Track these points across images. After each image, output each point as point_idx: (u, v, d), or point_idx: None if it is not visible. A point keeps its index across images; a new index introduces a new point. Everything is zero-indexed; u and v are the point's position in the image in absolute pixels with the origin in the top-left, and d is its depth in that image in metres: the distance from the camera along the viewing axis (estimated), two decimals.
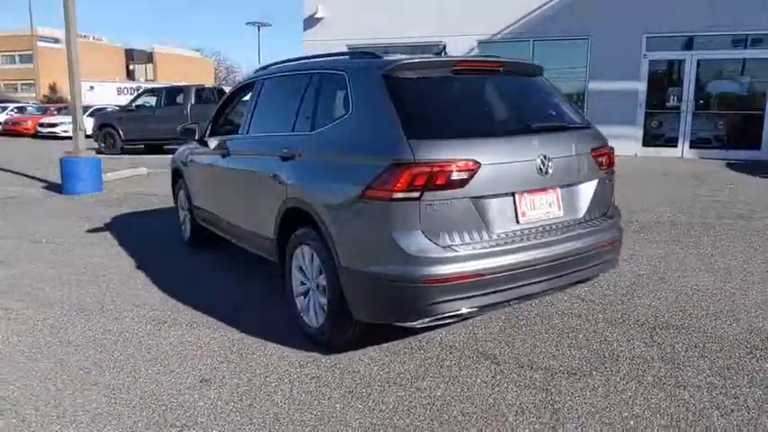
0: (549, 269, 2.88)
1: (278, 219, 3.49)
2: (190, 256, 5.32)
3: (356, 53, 3.38)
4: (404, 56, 3.04)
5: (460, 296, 2.66)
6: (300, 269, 3.41)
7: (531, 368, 3.00)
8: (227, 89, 19.51)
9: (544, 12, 13.40)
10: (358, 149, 2.87)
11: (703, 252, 5.12)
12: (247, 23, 55.46)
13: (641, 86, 13.08)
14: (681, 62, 12.75)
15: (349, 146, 2.93)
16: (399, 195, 2.59)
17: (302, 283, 3.44)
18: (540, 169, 2.87)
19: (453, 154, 2.64)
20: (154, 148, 16.66)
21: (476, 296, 2.69)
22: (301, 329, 3.43)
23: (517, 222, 2.85)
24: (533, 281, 2.85)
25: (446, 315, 2.68)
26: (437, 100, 2.94)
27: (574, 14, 13.06)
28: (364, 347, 3.25)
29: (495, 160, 2.72)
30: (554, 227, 2.97)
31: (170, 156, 6.34)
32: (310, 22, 15.35)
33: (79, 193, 9.12)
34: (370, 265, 2.73)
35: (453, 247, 2.65)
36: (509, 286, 2.77)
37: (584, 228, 3.08)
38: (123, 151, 16.59)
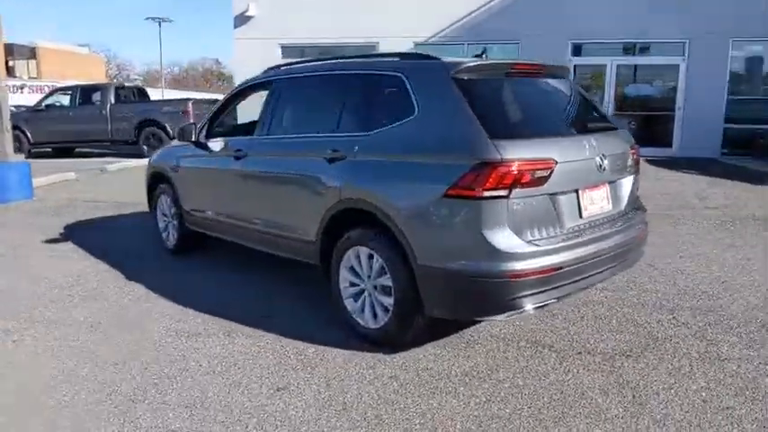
0: (607, 260, 3.10)
1: (324, 221, 3.45)
2: (181, 264, 5.05)
3: (408, 54, 3.42)
4: (462, 59, 3.13)
5: (542, 289, 2.80)
6: (351, 270, 3.39)
7: (589, 353, 3.20)
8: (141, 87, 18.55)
9: (478, 16, 13.95)
10: (433, 150, 2.92)
11: (673, 241, 5.63)
12: (147, 18, 52.50)
13: None
14: (602, 67, 13.80)
15: (421, 146, 2.97)
16: (489, 194, 2.68)
17: (352, 285, 3.42)
18: (600, 166, 3.08)
19: (534, 153, 2.78)
20: (63, 151, 15.43)
21: (554, 288, 2.85)
22: (353, 330, 3.41)
23: (580, 217, 3.04)
24: (595, 271, 3.06)
25: (529, 308, 2.80)
26: (502, 101, 3.06)
27: (505, 20, 13.70)
28: (421, 345, 3.30)
29: (566, 158, 2.89)
30: (606, 220, 3.19)
31: (91, 159, 5.98)
32: (241, 19, 14.91)
33: (8, 201, 8.30)
34: (455, 261, 2.79)
35: (535, 242, 2.79)
36: (579, 277, 2.96)
37: (626, 220, 3.34)
38: (30, 155, 15.18)
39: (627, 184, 3.39)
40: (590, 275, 3.03)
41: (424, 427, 2.51)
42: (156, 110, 14.84)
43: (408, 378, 2.94)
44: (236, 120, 4.54)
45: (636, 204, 3.57)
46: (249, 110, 4.88)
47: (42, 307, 4.05)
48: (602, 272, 3.12)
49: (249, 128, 4.33)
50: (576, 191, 3.01)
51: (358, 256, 3.32)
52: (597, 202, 3.14)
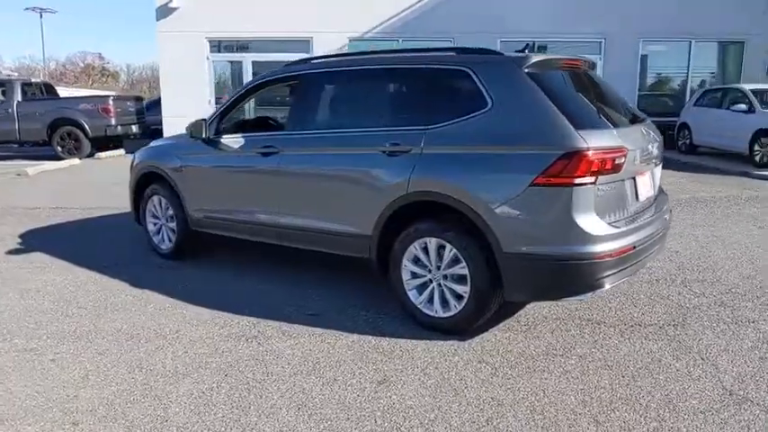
0: (656, 240, 3.40)
1: (384, 214, 3.46)
2: (184, 268, 4.78)
3: (467, 49, 3.50)
4: (525, 54, 3.28)
5: (620, 268, 3.03)
6: (415, 262, 3.44)
7: (640, 325, 3.50)
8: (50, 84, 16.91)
9: (412, 13, 14.22)
10: (514, 140, 3.04)
11: None
12: (27, 9, 47.76)
13: None
14: None
15: (500, 137, 3.08)
16: (579, 180, 2.86)
17: (414, 276, 3.47)
18: (650, 153, 3.37)
19: (611, 142, 2.99)
20: None
21: (628, 267, 3.09)
22: (417, 320, 3.47)
23: (637, 200, 3.31)
24: (650, 252, 3.34)
25: (608, 286, 3.02)
26: (568, 93, 3.24)
27: (438, 17, 14.08)
28: (486, 330, 3.42)
29: (631, 146, 3.13)
30: (649, 204, 3.50)
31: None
32: (164, 11, 14.09)
33: None
34: (544, 246, 2.95)
35: (614, 225, 3.01)
36: (642, 257, 3.23)
37: (661, 203, 3.67)
38: None
39: (658, 171, 3.72)
40: (647, 255, 3.31)
41: (543, 404, 2.64)
42: (71, 108, 13.65)
43: (497, 361, 3.06)
44: (263, 116, 4.35)
45: (662, 188, 3.92)
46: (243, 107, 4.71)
47: (56, 321, 3.70)
48: (652, 252, 3.42)
49: (263, 123, 4.20)
50: (634, 177, 3.27)
51: (425, 248, 3.37)
52: (646, 186, 3.43)
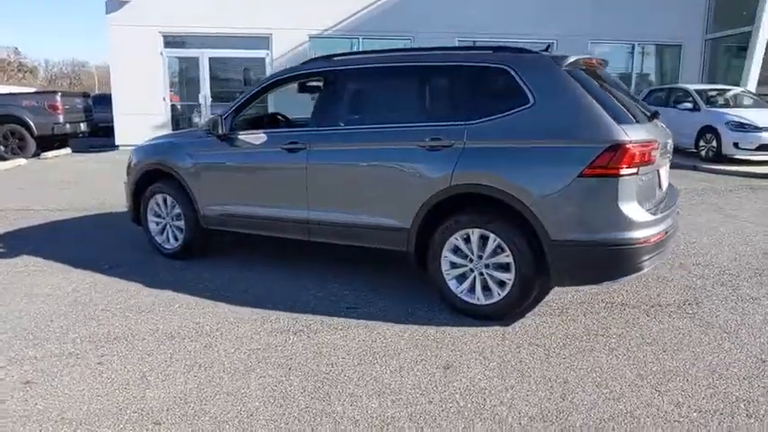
0: (677, 227, 3.69)
1: (425, 207, 3.57)
2: (195, 267, 4.67)
3: (503, 48, 3.64)
4: (559, 53, 3.47)
5: (657, 252, 3.28)
6: (455, 252, 3.57)
7: (660, 306, 3.78)
8: None
9: (372, 11, 14.32)
10: (559, 134, 3.22)
11: None
12: None
13: None
14: None
15: (544, 132, 3.25)
16: (625, 171, 3.08)
17: (453, 266, 3.60)
18: (666, 147, 3.64)
19: (646, 135, 3.23)
20: None
21: (660, 252, 3.34)
22: (456, 308, 3.60)
23: (661, 189, 3.58)
24: (673, 237, 3.62)
25: (646, 269, 3.26)
26: (601, 90, 3.44)
27: (398, 16, 14.26)
28: (523, 316, 3.60)
29: (659, 140, 3.39)
30: (666, 194, 3.78)
31: None
32: (115, 4, 13.50)
33: None
34: (591, 234, 3.15)
35: (650, 212, 3.26)
36: (669, 242, 3.50)
37: (673, 194, 3.97)
38: None
39: (667, 164, 4.02)
40: (671, 241, 3.59)
41: (605, 379, 2.84)
42: (14, 104, 12.84)
43: (547, 344, 3.24)
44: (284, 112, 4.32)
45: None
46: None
47: (83, 325, 3.56)
48: (673, 238, 3.70)
49: (274, 120, 4.19)
50: (657, 169, 3.53)
51: (467, 238, 3.51)
52: (664, 178, 3.71)
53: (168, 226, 4.94)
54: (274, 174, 4.22)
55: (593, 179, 3.11)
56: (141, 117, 13.72)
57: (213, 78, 14.30)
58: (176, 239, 4.90)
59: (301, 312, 3.73)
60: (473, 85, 3.54)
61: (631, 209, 3.14)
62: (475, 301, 3.53)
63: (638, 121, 3.40)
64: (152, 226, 5.03)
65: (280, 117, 5.08)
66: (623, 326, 3.47)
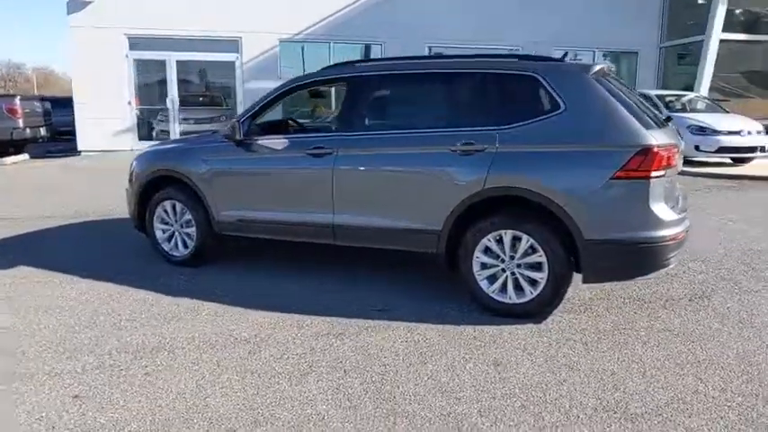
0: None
1: (457, 210, 3.67)
2: (209, 274, 4.60)
3: (528, 56, 3.77)
4: (584, 62, 3.64)
5: (679, 249, 3.49)
6: (487, 253, 3.68)
7: (674, 299, 4.01)
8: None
9: (342, 16, 14.36)
10: (591, 139, 3.38)
11: None
12: None
13: None
14: None
15: (576, 137, 3.40)
16: (654, 173, 3.27)
17: (484, 267, 3.71)
18: (680, 150, 3.87)
19: (669, 139, 3.44)
20: None
21: (681, 248, 3.56)
22: (486, 308, 3.71)
23: (676, 190, 3.80)
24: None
25: (671, 265, 3.47)
26: (624, 96, 3.63)
27: (368, 21, 14.36)
28: (551, 314, 3.74)
29: (678, 144, 3.61)
30: (679, 193, 4.01)
31: None
32: (77, 4, 12.99)
33: None
34: (623, 233, 3.32)
35: (675, 211, 3.46)
36: (686, 240, 3.72)
37: (683, 195, 4.21)
38: None
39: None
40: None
41: (649, 369, 3.00)
42: None
43: (583, 338, 3.39)
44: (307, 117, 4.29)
45: None
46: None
47: (112, 336, 3.47)
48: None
49: (284, 125, 4.21)
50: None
51: (499, 239, 3.62)
52: (676, 180, 3.94)
53: (177, 233, 4.84)
54: (298, 178, 4.22)
55: (625, 181, 3.29)
56: (105, 121, 13.29)
57: (181, 82, 13.99)
58: (186, 247, 4.82)
59: (333, 316, 3.75)
60: (503, 92, 3.67)
61: (660, 209, 3.33)
62: (507, 300, 3.65)
63: (658, 126, 3.60)
64: (158, 233, 4.92)
65: (291, 122, 5.07)
66: (647, 319, 3.67)
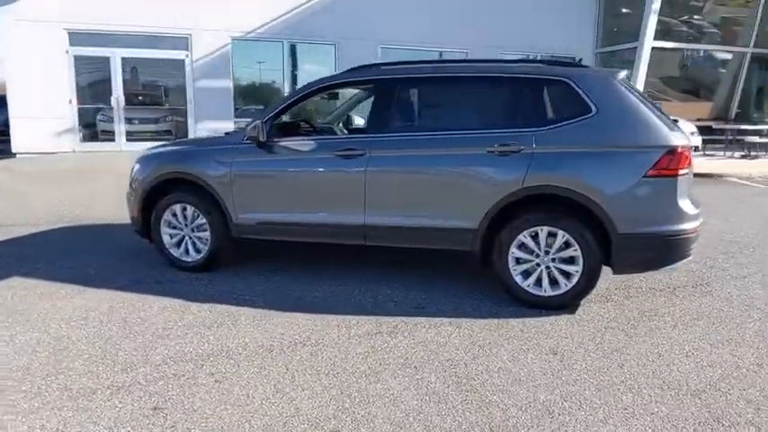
0: None
1: (494, 208, 3.83)
2: (227, 279, 4.51)
3: (553, 62, 3.98)
4: (609, 69, 3.90)
5: (696, 241, 3.82)
6: (522, 249, 3.87)
7: (680, 288, 4.38)
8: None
9: (296, 15, 14.20)
10: (623, 140, 3.65)
11: None
12: None
13: None
14: None
15: (609, 138, 3.66)
16: (681, 172, 3.58)
17: (518, 262, 3.90)
18: None
19: (687, 141, 3.76)
20: None
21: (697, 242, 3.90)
22: (521, 301, 3.91)
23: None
24: None
25: (691, 255, 3.80)
26: (646, 101, 3.91)
27: (322, 22, 14.28)
28: (581, 305, 3.98)
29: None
30: None
31: None
32: None
33: None
34: (654, 226, 3.61)
35: (693, 205, 3.79)
36: None
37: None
38: None
39: None
40: None
41: (689, 350, 3.29)
42: None
43: (619, 326, 3.65)
44: (333, 120, 4.25)
45: None
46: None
47: (157, 345, 3.36)
48: None
49: (300, 126, 4.24)
50: None
51: (534, 235, 3.82)
52: None
53: (187, 238, 4.70)
54: (326, 180, 4.23)
55: (656, 179, 3.57)
56: (44, 122, 12.44)
57: (127, 80, 13.33)
58: (198, 251, 4.69)
59: (374, 315, 3.81)
60: (536, 96, 3.87)
61: (685, 204, 3.65)
62: (543, 293, 3.86)
63: (675, 129, 3.94)
64: (166, 238, 4.75)
65: (304, 124, 5.05)
66: (666, 306, 3.99)
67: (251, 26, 13.90)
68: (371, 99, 4.27)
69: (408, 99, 4.17)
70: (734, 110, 16.38)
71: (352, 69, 4.50)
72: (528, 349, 3.31)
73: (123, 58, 13.09)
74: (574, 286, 3.79)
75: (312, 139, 4.30)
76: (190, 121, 13.91)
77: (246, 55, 14.35)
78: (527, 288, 3.88)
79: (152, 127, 14.15)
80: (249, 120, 4.50)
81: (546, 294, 3.85)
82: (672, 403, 2.73)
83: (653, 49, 14.66)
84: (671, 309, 3.94)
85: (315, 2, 14.26)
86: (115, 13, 12.59)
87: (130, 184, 4.91)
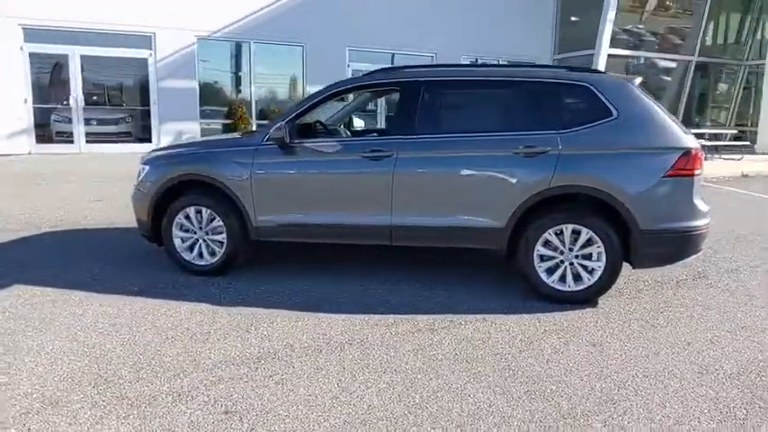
0: None
1: (522, 207, 3.98)
2: (247, 281, 4.45)
3: (575, 68, 4.16)
4: (626, 75, 4.12)
5: (707, 237, 4.09)
6: (546, 245, 4.03)
7: (682, 280, 4.67)
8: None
9: (263, 16, 14.04)
10: (643, 142, 3.86)
11: None
12: None
13: None
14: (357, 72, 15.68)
15: (629, 140, 3.86)
16: (696, 172, 3.83)
17: (543, 259, 4.06)
18: None
19: (698, 143, 4.03)
20: None
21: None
22: (545, 296, 4.06)
23: None
24: None
25: (702, 250, 4.06)
26: (660, 105, 4.15)
27: (289, 23, 14.19)
28: (598, 299, 4.19)
29: None
30: None
31: None
32: None
33: None
34: (672, 223, 3.85)
35: (704, 204, 4.06)
36: None
37: None
38: None
39: None
40: None
41: (713, 336, 3.53)
42: None
43: (643, 317, 3.86)
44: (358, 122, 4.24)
45: None
46: None
47: (204, 350, 3.31)
48: None
49: (316, 127, 4.32)
50: None
51: (559, 233, 3.99)
52: None
53: (201, 241, 4.61)
54: (353, 182, 4.26)
55: (675, 178, 3.81)
56: None
57: (87, 79, 12.80)
58: (212, 255, 4.60)
59: (409, 314, 3.87)
60: (559, 99, 4.05)
61: (700, 202, 3.91)
62: (566, 289, 4.03)
63: (687, 132, 4.21)
64: (177, 242, 4.64)
65: (319, 125, 5.04)
66: (676, 298, 4.25)
67: (217, 25, 13.65)
68: (397, 101, 4.33)
69: (435, 101, 4.25)
70: (680, 115, 17.39)
71: (374, 72, 4.55)
72: (567, 342, 3.46)
73: (83, 56, 12.58)
74: (597, 281, 3.98)
75: (338, 141, 4.33)
76: (154, 123, 13.51)
77: (212, 55, 14.08)
78: (552, 284, 4.05)
79: (112, 128, 13.66)
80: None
81: (570, 290, 4.03)
82: (715, 387, 2.93)
83: (609, 56, 15.36)
84: (682, 300, 4.20)
85: (282, 2, 14.14)
86: (74, 9, 12.11)
87: (138, 187, 4.76)
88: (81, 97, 12.65)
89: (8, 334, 3.48)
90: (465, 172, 4.08)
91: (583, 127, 3.96)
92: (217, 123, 14.29)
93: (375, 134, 5.42)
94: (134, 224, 5.02)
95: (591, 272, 3.99)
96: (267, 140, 4.34)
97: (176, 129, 13.71)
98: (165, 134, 13.63)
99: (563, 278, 4.04)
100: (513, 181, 3.99)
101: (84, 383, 2.90)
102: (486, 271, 4.82)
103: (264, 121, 14.27)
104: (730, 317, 3.89)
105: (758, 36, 17.56)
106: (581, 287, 4.02)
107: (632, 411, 2.69)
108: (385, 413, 2.66)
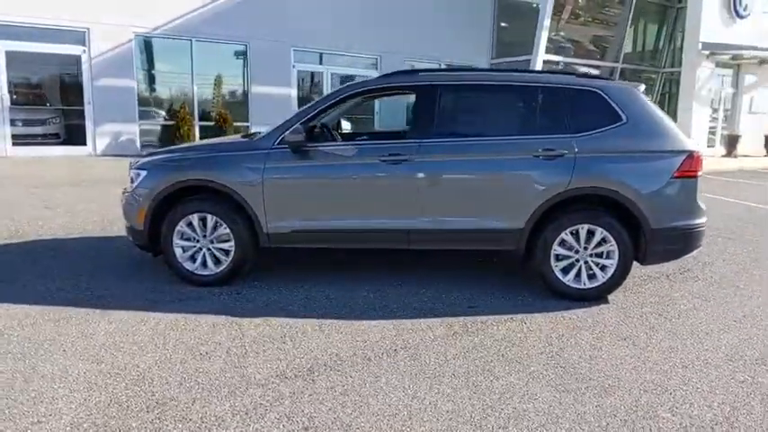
0: None
1: (540, 209, 4.10)
2: (259, 291, 4.29)
3: (584, 75, 4.33)
4: (631, 82, 4.36)
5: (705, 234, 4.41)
6: (562, 245, 4.18)
7: (676, 274, 5.00)
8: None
9: (205, 13, 13.50)
10: (651, 146, 4.09)
11: None
12: None
13: (293, 92, 15.14)
14: (320, 74, 15.52)
15: (639, 143, 4.08)
16: (699, 173, 4.12)
17: (558, 259, 4.22)
18: None
19: (699, 147, 4.33)
20: None
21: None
22: (560, 294, 4.22)
23: None
24: None
25: (702, 246, 4.37)
26: (662, 111, 4.41)
27: (232, 20, 13.75)
28: (607, 295, 4.40)
29: None
30: None
31: None
32: None
33: None
34: (678, 221, 4.11)
35: (702, 203, 4.37)
36: None
37: None
38: None
39: None
40: None
41: (729, 325, 3.82)
42: None
43: (653, 311, 4.10)
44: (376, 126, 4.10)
45: None
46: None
47: (242, 365, 3.16)
48: None
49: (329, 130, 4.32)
50: None
51: (575, 233, 4.15)
52: None
53: (204, 250, 4.39)
54: (371, 185, 4.21)
55: (681, 180, 4.08)
56: None
57: (14, 77, 11.76)
58: (217, 263, 4.40)
59: (439, 317, 3.89)
60: (572, 104, 4.20)
61: (701, 201, 4.21)
62: (581, 286, 4.21)
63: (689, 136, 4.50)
64: (178, 251, 4.39)
65: (325, 127, 4.93)
66: (673, 291, 4.56)
67: (157, 22, 13.01)
68: (414, 104, 4.32)
69: (454, 105, 4.29)
70: None
71: (389, 75, 4.52)
72: (600, 337, 3.61)
73: (9, 52, 11.55)
74: (609, 278, 4.18)
75: (354, 144, 4.26)
76: (88, 124, 12.65)
77: (152, 53, 13.37)
78: (568, 282, 4.21)
79: (38, 129, 12.66)
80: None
81: (585, 287, 4.20)
82: (748, 372, 3.18)
83: (544, 61, 16.10)
84: (680, 293, 4.51)
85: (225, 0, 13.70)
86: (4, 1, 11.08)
87: (133, 194, 4.46)
88: (6, 96, 11.61)
89: (20, 359, 3.15)
90: (485, 175, 4.16)
91: (595, 131, 4.15)
92: (157, 125, 13.60)
93: (388, 137, 5.39)
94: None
95: (604, 269, 4.18)
96: (279, 143, 4.21)
97: (113, 130, 12.91)
98: (101, 136, 12.80)
99: (578, 276, 4.21)
100: (533, 183, 4.11)
101: (137, 408, 2.68)
102: (492, 272, 4.93)
103: (208, 123, 13.76)
104: (727, 307, 4.22)
105: (674, 45, 19.06)
106: (595, 284, 4.20)
107: (690, 400, 2.86)
108: (463, 418, 2.66)
